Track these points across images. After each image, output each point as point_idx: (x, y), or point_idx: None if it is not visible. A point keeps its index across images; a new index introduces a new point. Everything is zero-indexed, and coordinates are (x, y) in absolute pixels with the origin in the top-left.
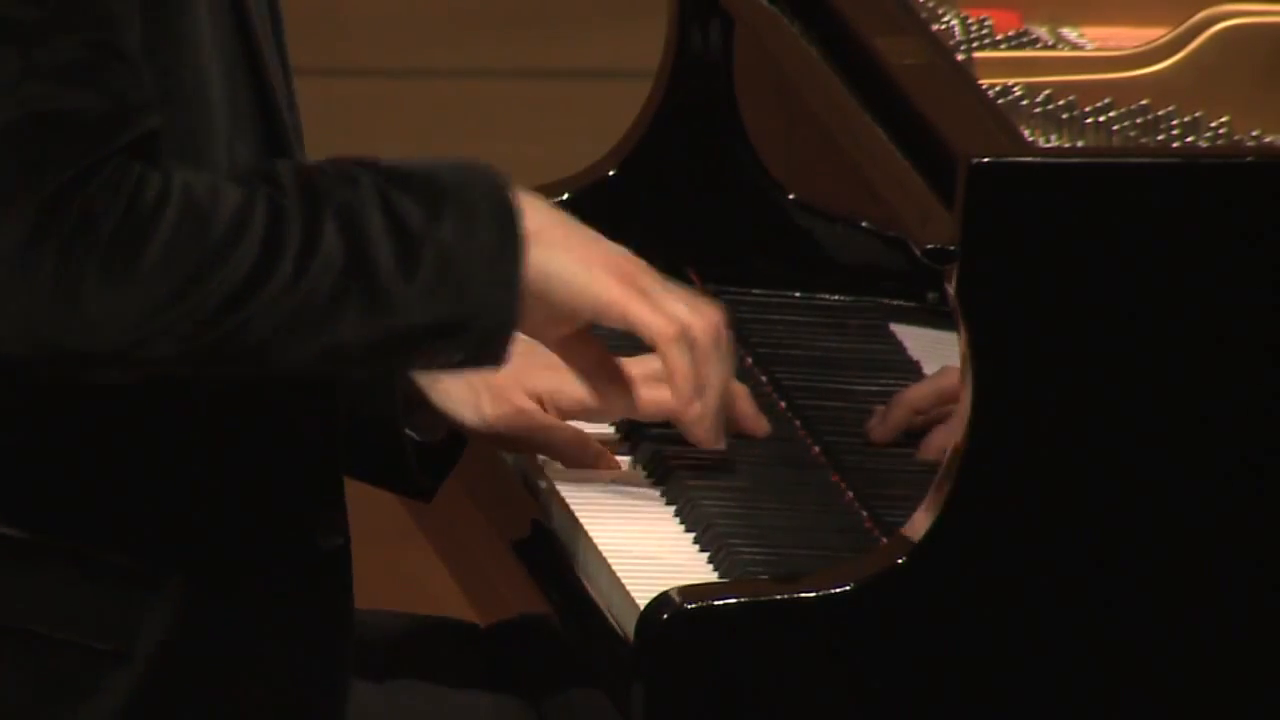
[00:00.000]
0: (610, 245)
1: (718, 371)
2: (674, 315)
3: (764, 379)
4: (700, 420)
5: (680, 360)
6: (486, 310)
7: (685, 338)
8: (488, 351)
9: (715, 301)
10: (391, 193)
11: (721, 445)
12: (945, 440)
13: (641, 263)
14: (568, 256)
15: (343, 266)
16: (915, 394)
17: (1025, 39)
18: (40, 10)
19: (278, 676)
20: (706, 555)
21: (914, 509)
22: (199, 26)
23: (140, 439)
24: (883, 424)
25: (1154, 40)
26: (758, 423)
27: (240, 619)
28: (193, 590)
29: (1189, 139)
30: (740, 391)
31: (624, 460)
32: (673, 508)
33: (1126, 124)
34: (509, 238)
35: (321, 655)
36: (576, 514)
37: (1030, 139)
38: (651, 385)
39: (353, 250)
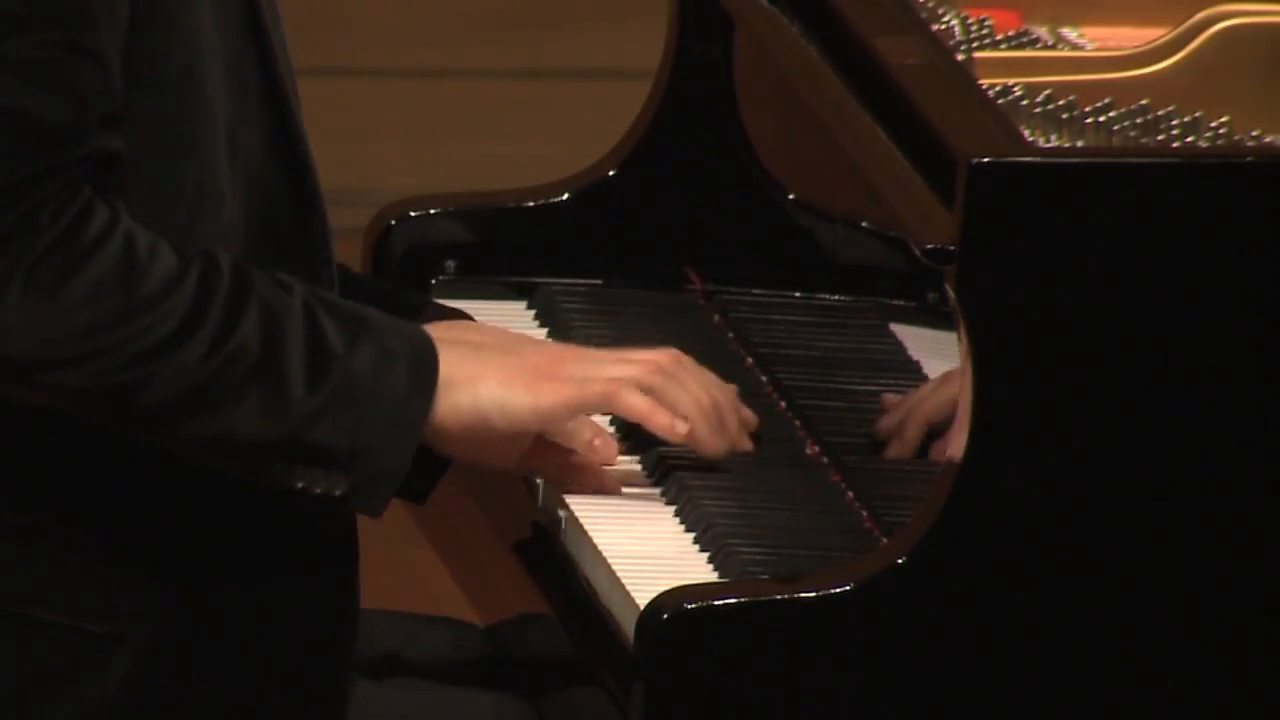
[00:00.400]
0: (526, 351)
1: (684, 395)
2: (613, 377)
3: (764, 379)
4: (695, 441)
5: (639, 402)
6: (380, 452)
7: (632, 386)
8: (370, 492)
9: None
10: (318, 310)
11: (731, 449)
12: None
13: (558, 348)
14: (494, 385)
15: (254, 361)
16: (929, 407)
17: (1025, 39)
18: (18, 5)
19: (279, 665)
20: (706, 555)
21: (914, 509)
22: (198, 14)
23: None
24: (900, 441)
25: (1154, 40)
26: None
27: (242, 607)
28: (193, 577)
29: (1189, 139)
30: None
31: (626, 460)
32: (673, 508)
33: (1126, 124)
34: (421, 390)
35: (324, 645)
36: (577, 514)
37: (1030, 139)
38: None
39: (267, 348)
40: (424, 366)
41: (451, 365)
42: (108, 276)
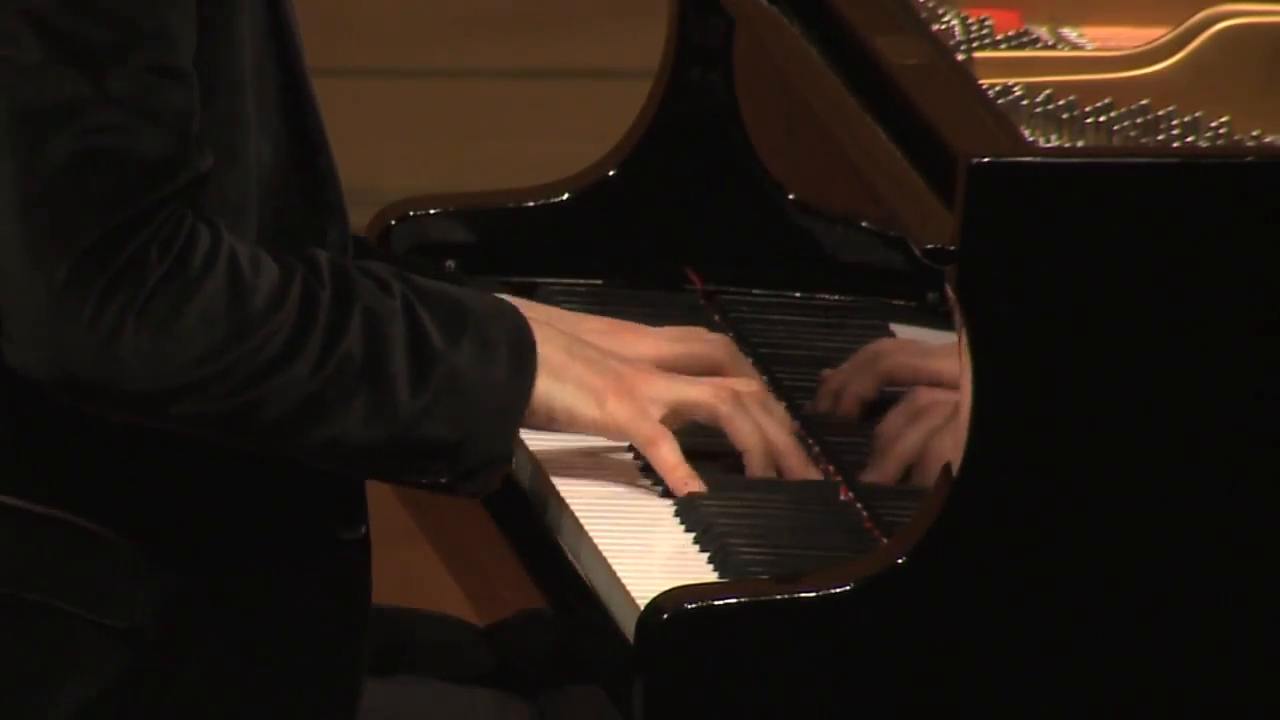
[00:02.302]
0: (612, 355)
1: (747, 428)
2: (656, 422)
3: (764, 379)
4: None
5: (668, 454)
6: (483, 442)
7: (666, 436)
8: (473, 480)
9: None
10: (418, 307)
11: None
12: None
13: (643, 367)
14: (571, 389)
15: (360, 367)
16: (907, 444)
17: (1025, 39)
18: (110, 33)
19: (290, 663)
20: (706, 555)
21: (914, 509)
22: (243, 22)
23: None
24: (879, 473)
25: (1154, 40)
26: (806, 476)
27: (256, 604)
28: (209, 573)
29: (1189, 139)
30: (791, 448)
31: (628, 459)
32: (673, 508)
33: (1126, 124)
34: (521, 377)
35: (336, 645)
36: (576, 514)
37: (1030, 139)
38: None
39: (371, 354)
40: (523, 351)
41: (545, 350)
42: (217, 302)
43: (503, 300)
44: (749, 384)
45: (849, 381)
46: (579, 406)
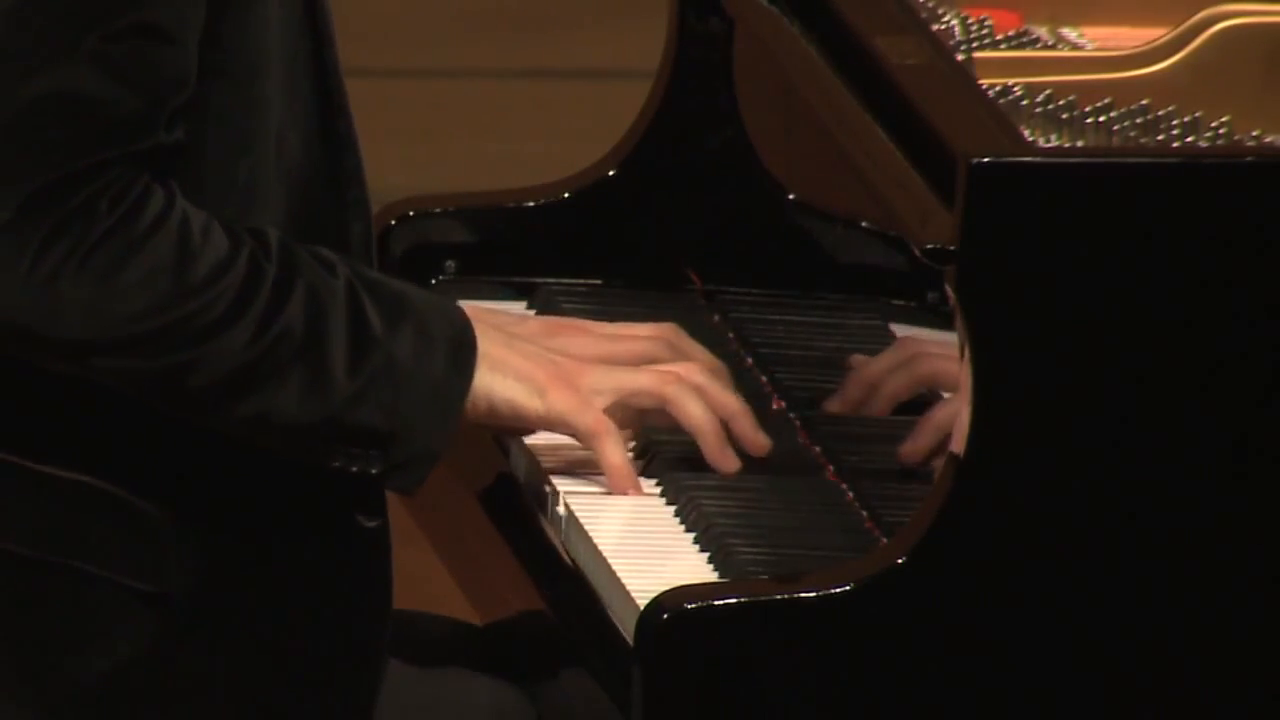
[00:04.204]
0: (556, 352)
1: (694, 408)
2: (597, 416)
3: (764, 379)
4: (708, 459)
5: (613, 451)
6: (418, 435)
7: (607, 433)
8: (404, 473)
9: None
10: (360, 292)
11: (738, 467)
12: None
13: (585, 359)
14: (511, 381)
15: (298, 344)
16: (942, 415)
17: (1025, 39)
18: None
19: (317, 633)
20: (706, 555)
21: (914, 509)
22: (268, 6)
23: None
24: (914, 447)
25: (1154, 40)
26: (756, 441)
27: (281, 575)
28: (238, 545)
29: (1189, 139)
30: (739, 410)
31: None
32: (673, 508)
33: (1126, 124)
34: (460, 372)
35: (358, 624)
36: (576, 514)
37: (1030, 139)
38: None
39: (311, 331)
40: (463, 348)
41: (484, 345)
42: (161, 262)
43: (444, 298)
44: (688, 366)
45: (885, 379)
46: (520, 398)
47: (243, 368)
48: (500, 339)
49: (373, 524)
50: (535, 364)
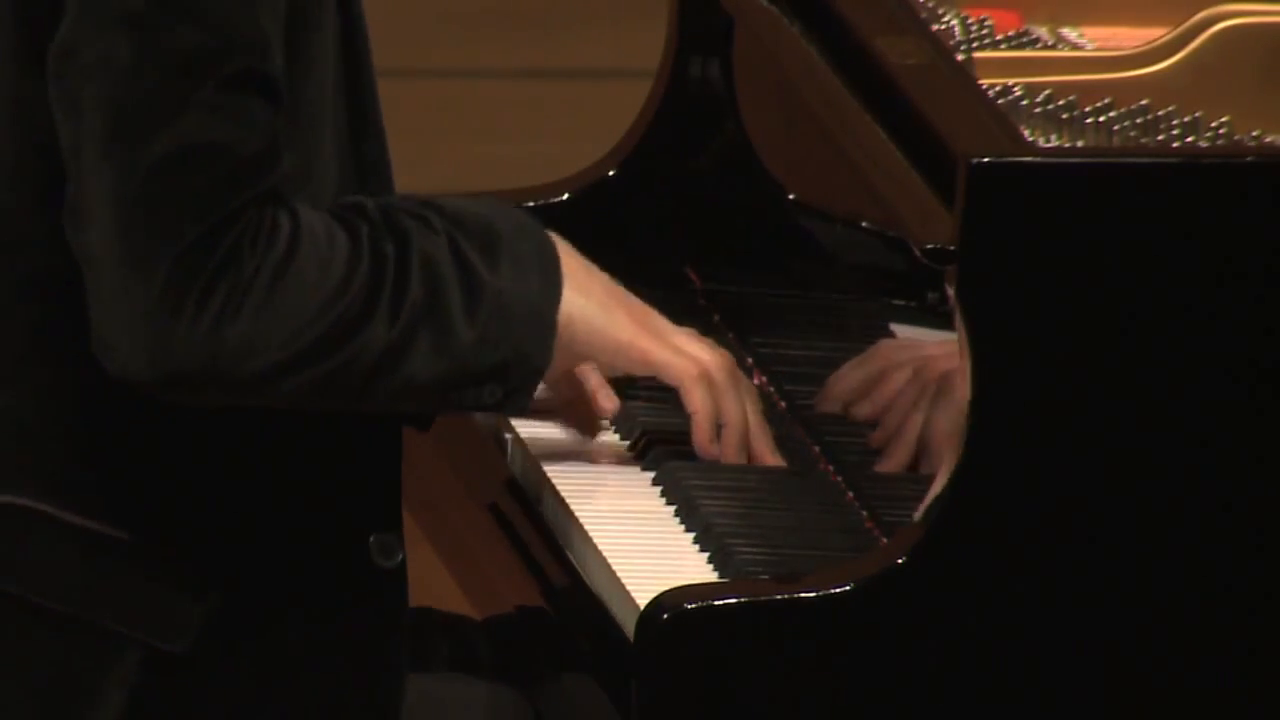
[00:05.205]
0: (627, 293)
1: (737, 406)
2: (693, 356)
3: (764, 379)
4: (725, 456)
5: (701, 398)
6: (526, 357)
7: (705, 377)
8: (518, 395)
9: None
10: (459, 240)
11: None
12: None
13: (653, 310)
14: (592, 302)
15: (423, 311)
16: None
17: (1025, 39)
18: (207, 38)
19: (330, 686)
20: (706, 555)
21: (914, 509)
22: (325, 39)
23: (209, 447)
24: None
25: (1154, 40)
26: (773, 461)
27: (293, 627)
28: (248, 597)
29: (1189, 139)
30: (759, 428)
31: (628, 458)
32: (673, 508)
33: (1126, 124)
34: (551, 288)
35: (374, 668)
36: (576, 514)
37: (1030, 139)
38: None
39: (431, 295)
40: (551, 263)
41: (567, 266)
42: (306, 280)
43: (521, 213)
44: (729, 357)
45: (902, 398)
46: (604, 326)
47: (387, 349)
48: (579, 260)
49: (391, 565)
50: (614, 297)
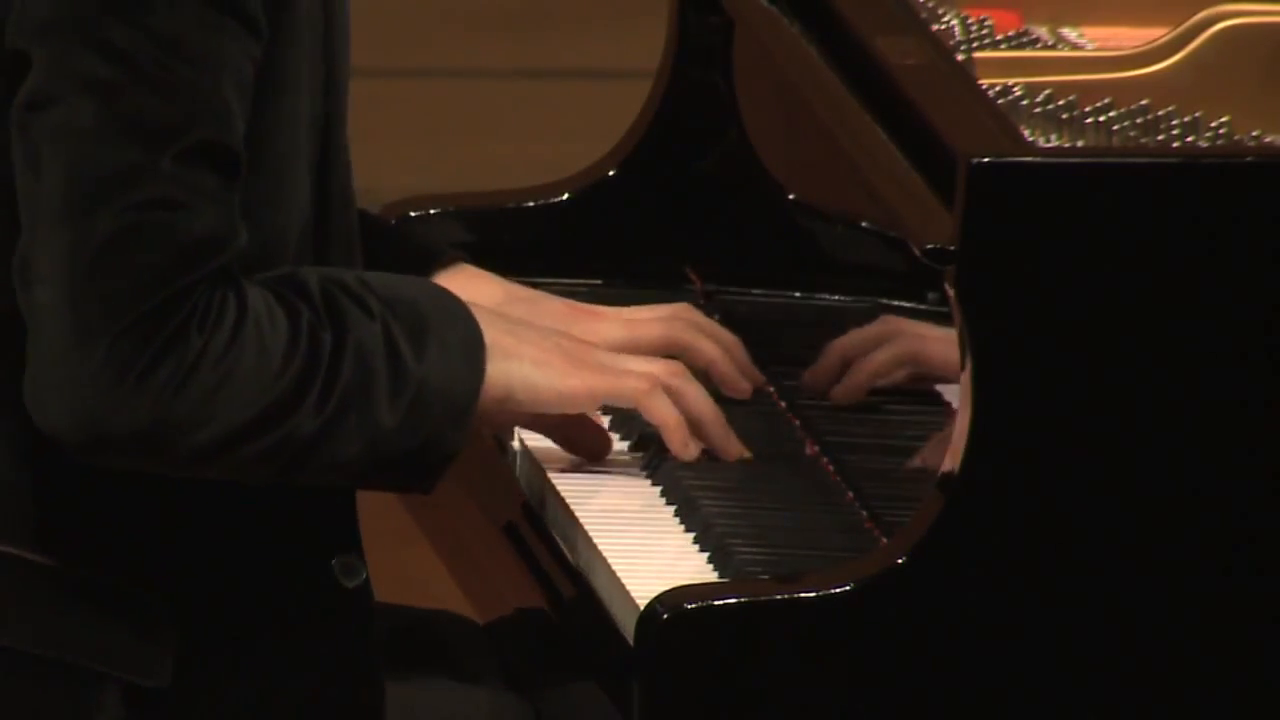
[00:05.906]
0: (559, 333)
1: (702, 401)
2: (640, 373)
3: (764, 379)
4: (722, 453)
5: (663, 409)
6: (440, 442)
7: (657, 388)
8: (427, 479)
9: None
10: (392, 326)
11: (745, 455)
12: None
13: (588, 343)
14: (525, 363)
15: (352, 399)
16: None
17: (1025, 39)
18: (172, 109)
19: (312, 704)
20: (706, 555)
21: (914, 509)
22: (297, 100)
23: (173, 483)
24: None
25: (1154, 40)
26: (736, 385)
27: (269, 653)
28: (222, 628)
29: (1189, 139)
30: (717, 355)
31: (628, 458)
32: (673, 508)
33: (1126, 124)
34: (474, 374)
35: (353, 683)
36: (576, 514)
37: (1030, 139)
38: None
39: (360, 384)
40: (475, 349)
41: (491, 337)
42: (246, 365)
43: (449, 296)
44: (669, 367)
45: (864, 354)
46: (540, 382)
47: (316, 433)
48: (504, 326)
49: (355, 583)
50: (544, 349)
